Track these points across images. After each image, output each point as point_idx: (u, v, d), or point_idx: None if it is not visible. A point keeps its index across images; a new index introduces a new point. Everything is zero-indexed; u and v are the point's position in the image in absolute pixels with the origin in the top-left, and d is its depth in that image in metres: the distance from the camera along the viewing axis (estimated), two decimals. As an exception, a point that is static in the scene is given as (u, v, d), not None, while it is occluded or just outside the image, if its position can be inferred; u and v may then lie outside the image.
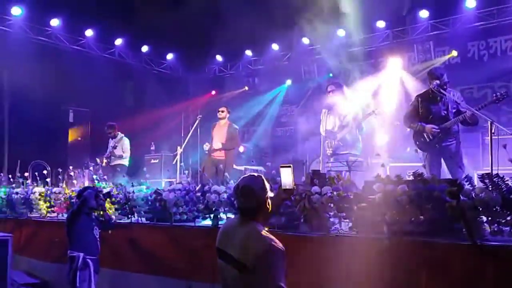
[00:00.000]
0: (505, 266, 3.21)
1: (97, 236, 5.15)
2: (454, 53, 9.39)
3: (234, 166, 8.54)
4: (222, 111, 8.35)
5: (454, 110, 5.49)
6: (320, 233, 4.18)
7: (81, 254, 4.91)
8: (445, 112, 5.51)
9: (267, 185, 2.89)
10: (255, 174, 2.94)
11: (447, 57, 9.57)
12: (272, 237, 2.75)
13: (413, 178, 3.81)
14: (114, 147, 9.03)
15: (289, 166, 3.10)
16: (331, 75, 10.76)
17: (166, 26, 10.07)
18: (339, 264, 3.95)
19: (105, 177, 6.81)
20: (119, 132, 9.29)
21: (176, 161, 8.08)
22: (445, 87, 5.49)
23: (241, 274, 2.70)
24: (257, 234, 2.75)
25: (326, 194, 4.11)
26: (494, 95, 5.29)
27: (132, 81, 12.49)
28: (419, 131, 5.62)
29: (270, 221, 4.35)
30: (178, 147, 8.25)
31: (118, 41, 11.45)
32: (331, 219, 4.28)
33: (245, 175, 2.96)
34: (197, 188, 5.17)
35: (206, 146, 8.12)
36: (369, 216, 3.94)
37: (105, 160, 8.96)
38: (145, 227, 5.49)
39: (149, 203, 5.42)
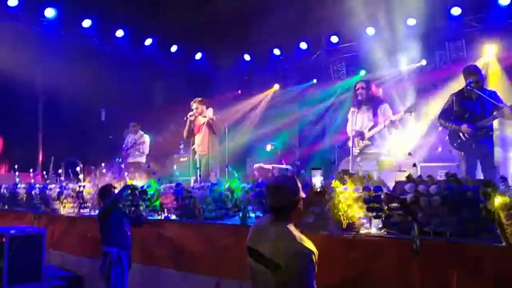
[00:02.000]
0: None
1: (129, 231, 5.26)
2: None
3: (262, 165, 8.56)
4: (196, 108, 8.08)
5: (491, 109, 5.39)
6: (349, 233, 4.15)
7: (116, 249, 5.03)
8: (481, 110, 5.42)
9: (299, 185, 2.89)
10: (288, 173, 2.95)
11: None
12: (305, 238, 2.76)
13: (445, 178, 3.75)
14: (136, 144, 9.19)
15: (320, 169, 3.10)
16: (360, 75, 10.66)
17: (194, 25, 10.16)
18: (369, 265, 3.92)
19: (126, 173, 6.90)
20: (140, 130, 9.49)
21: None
22: (481, 84, 5.40)
23: (273, 273, 2.71)
24: (289, 234, 2.76)
25: (356, 193, 4.08)
26: None
27: (162, 80, 12.64)
28: (455, 131, 5.53)
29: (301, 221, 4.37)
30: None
31: (148, 41, 11.61)
32: (361, 219, 4.26)
33: (278, 175, 2.98)
34: (226, 186, 5.20)
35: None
36: (400, 216, 3.90)
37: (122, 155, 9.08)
38: (175, 223, 5.56)
39: (179, 200, 5.48)
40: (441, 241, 3.64)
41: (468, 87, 5.33)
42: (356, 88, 6.75)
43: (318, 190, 3.03)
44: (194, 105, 8.08)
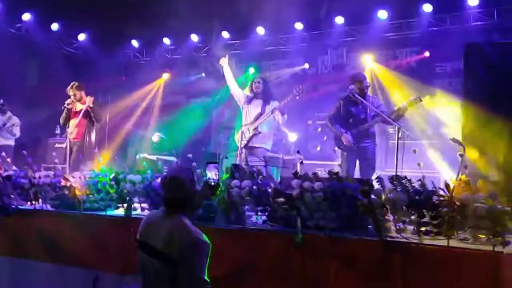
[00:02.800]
0: (408, 260, 3.49)
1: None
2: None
3: (146, 156, 8.37)
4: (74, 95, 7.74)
5: (372, 113, 5.87)
6: (237, 226, 4.24)
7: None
8: (364, 115, 5.89)
9: (195, 178, 2.88)
10: (185, 166, 2.92)
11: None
12: (199, 230, 2.76)
13: (328, 176, 3.99)
14: (4, 125, 8.50)
15: (216, 162, 3.11)
16: (249, 72, 10.88)
17: (79, 3, 9.56)
18: (255, 256, 4.05)
19: None
20: (9, 111, 8.80)
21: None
22: (365, 91, 5.85)
23: (165, 266, 2.67)
24: (184, 227, 2.75)
25: (246, 188, 4.17)
26: (412, 98, 5.68)
27: (38, 59, 11.70)
28: (339, 137, 5.94)
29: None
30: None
31: (26, 16, 10.66)
32: (247, 213, 4.37)
33: (174, 167, 2.94)
34: (110, 176, 4.99)
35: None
36: (285, 210, 4.08)
37: None
38: (51, 214, 5.20)
39: (57, 189, 5.14)
40: (321, 235, 3.88)
41: (352, 93, 5.75)
42: (253, 83, 6.91)
43: (213, 184, 3.03)
44: (71, 92, 7.75)
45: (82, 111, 7.53)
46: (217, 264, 4.10)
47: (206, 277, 2.70)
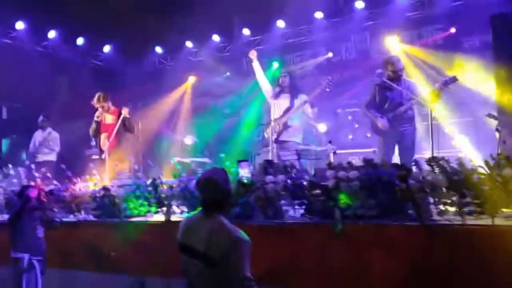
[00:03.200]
0: (451, 244, 3.43)
1: (42, 236, 4.96)
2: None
3: (180, 159, 8.43)
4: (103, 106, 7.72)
5: (408, 97, 5.76)
6: (275, 221, 4.25)
7: (27, 255, 4.73)
8: (400, 98, 5.80)
9: (229, 178, 2.90)
10: (218, 167, 2.93)
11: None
12: (237, 228, 2.78)
13: (363, 164, 3.95)
14: (46, 141, 8.70)
15: (247, 161, 3.11)
16: (274, 66, 10.84)
17: (102, 17, 9.74)
18: (295, 250, 4.05)
19: (36, 174, 6.51)
20: (49, 127, 9.01)
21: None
22: (399, 73, 5.77)
23: (208, 267, 2.70)
24: (223, 227, 2.77)
25: (281, 182, 4.18)
26: (447, 78, 5.53)
27: (67, 74, 11.97)
28: (374, 122, 5.90)
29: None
30: (107, 141, 7.88)
31: (52, 34, 10.93)
32: (285, 207, 4.38)
33: (208, 168, 2.96)
34: (148, 183, 5.07)
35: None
36: (322, 202, 4.06)
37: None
38: (93, 224, 5.34)
39: (97, 199, 5.27)
40: (361, 224, 3.84)
41: (387, 77, 5.70)
42: (279, 77, 6.90)
43: (246, 182, 3.03)
44: (98, 104, 7.72)
45: (118, 122, 7.59)
46: (258, 261, 4.14)
47: (249, 274, 2.71)
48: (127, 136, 7.75)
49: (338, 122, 8.51)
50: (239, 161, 3.05)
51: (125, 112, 7.52)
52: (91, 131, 7.87)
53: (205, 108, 11.53)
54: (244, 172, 3.01)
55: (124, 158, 7.46)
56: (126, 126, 7.59)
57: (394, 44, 9.32)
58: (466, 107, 7.10)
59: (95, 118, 7.72)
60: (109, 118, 7.75)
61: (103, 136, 7.61)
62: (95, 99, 7.72)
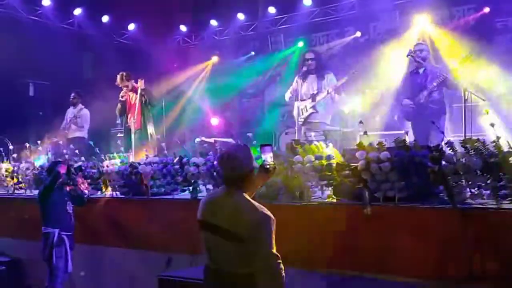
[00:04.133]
0: (484, 227, 3.35)
1: (71, 212, 5.05)
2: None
3: (204, 139, 8.46)
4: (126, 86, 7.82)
5: (434, 80, 5.77)
6: (302, 202, 4.21)
7: (56, 230, 4.83)
8: (425, 81, 5.80)
9: (253, 155, 2.84)
10: (241, 143, 2.88)
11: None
12: (262, 206, 2.73)
13: (395, 145, 3.87)
14: (74, 117, 8.78)
15: (269, 145, 3.01)
16: (299, 46, 10.69)
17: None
18: (321, 232, 4.02)
19: (65, 150, 6.59)
20: (80, 104, 9.06)
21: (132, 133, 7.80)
22: (426, 58, 5.78)
23: (233, 244, 2.67)
24: (247, 203, 2.72)
25: (309, 163, 4.13)
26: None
27: (92, 52, 12.04)
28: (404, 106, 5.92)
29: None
30: (132, 119, 7.92)
31: (77, 11, 10.96)
32: (312, 188, 4.33)
33: (231, 145, 2.90)
34: (175, 161, 5.09)
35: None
36: (351, 183, 4.00)
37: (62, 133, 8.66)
38: (121, 201, 5.39)
39: (124, 176, 5.31)
40: (391, 206, 3.78)
41: (415, 60, 5.73)
42: (305, 58, 6.81)
43: (268, 167, 2.94)
44: (121, 83, 7.81)
45: (137, 98, 7.64)
46: (284, 241, 4.13)
47: (275, 251, 2.68)
48: (149, 114, 7.78)
49: (366, 102, 8.34)
50: (262, 145, 2.95)
51: (140, 84, 7.57)
52: (117, 111, 7.96)
53: (229, 88, 11.48)
54: (267, 157, 2.91)
55: (149, 136, 7.52)
56: (146, 100, 7.61)
57: (423, 24, 9.07)
58: (500, 90, 6.90)
59: (120, 98, 7.78)
60: (133, 97, 7.78)
61: (129, 115, 7.66)
62: (118, 79, 7.79)
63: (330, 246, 3.96)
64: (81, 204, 5.21)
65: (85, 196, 5.30)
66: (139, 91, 7.62)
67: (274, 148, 4.27)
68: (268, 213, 2.72)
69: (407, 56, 5.85)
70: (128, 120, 7.69)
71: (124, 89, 7.79)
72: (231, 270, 2.71)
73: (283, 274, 2.67)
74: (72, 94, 9.10)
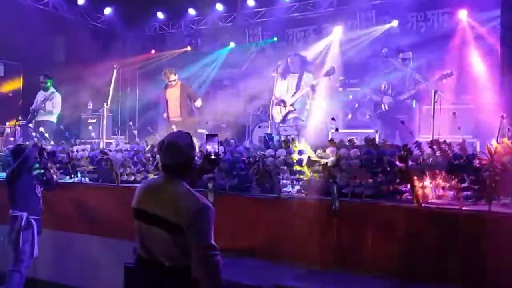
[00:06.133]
0: (447, 227, 3.46)
1: (40, 195, 4.97)
2: (395, 22, 9.62)
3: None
4: (174, 79, 8.19)
5: (411, 86, 5.92)
6: (271, 195, 4.26)
7: (25, 214, 4.75)
8: (402, 87, 5.94)
9: (195, 144, 2.78)
10: (183, 131, 2.81)
11: (387, 26, 9.80)
12: (202, 196, 2.71)
13: (365, 143, 3.95)
14: (44, 100, 8.59)
15: (216, 135, 2.96)
16: (275, 39, 10.74)
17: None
18: (290, 225, 4.08)
19: (34, 133, 6.47)
20: (52, 87, 8.86)
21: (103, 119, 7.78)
22: (407, 62, 5.89)
23: (171, 234, 2.59)
24: (188, 193, 2.66)
25: (280, 157, 4.18)
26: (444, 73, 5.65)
27: (66, 34, 11.77)
28: (377, 102, 5.98)
29: (222, 183, 4.40)
30: (105, 104, 7.89)
31: (52, -9, 10.71)
32: (283, 182, 4.38)
33: (172, 131, 2.83)
34: (146, 149, 5.06)
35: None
36: (321, 179, 4.07)
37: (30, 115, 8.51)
38: (90, 187, 5.33)
39: (94, 163, 5.25)
40: (358, 202, 3.87)
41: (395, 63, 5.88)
42: (288, 58, 6.88)
43: (212, 157, 2.90)
44: (172, 77, 8.14)
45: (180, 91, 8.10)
46: (253, 233, 4.18)
47: (213, 243, 2.66)
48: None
49: (339, 100, 8.46)
50: (207, 135, 2.91)
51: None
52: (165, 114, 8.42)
53: (203, 78, 11.43)
54: (211, 148, 2.87)
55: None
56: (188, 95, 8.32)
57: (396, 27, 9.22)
58: (469, 94, 7.09)
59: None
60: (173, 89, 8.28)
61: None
62: (168, 72, 8.21)
63: (299, 239, 4.03)
64: (49, 188, 5.13)
65: (54, 180, 5.22)
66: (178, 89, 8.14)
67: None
68: (209, 203, 2.66)
69: (382, 56, 5.92)
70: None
71: (172, 82, 8.17)
72: (166, 262, 2.64)
73: (220, 266, 2.61)
74: (41, 77, 8.88)
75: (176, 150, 2.69)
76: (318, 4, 10.30)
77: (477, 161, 3.41)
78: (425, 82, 5.74)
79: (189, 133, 2.81)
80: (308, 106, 6.79)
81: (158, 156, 4.84)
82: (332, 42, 9.35)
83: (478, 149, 3.87)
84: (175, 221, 2.58)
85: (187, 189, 2.69)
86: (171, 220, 2.59)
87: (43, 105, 8.54)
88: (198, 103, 8.11)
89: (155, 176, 3.00)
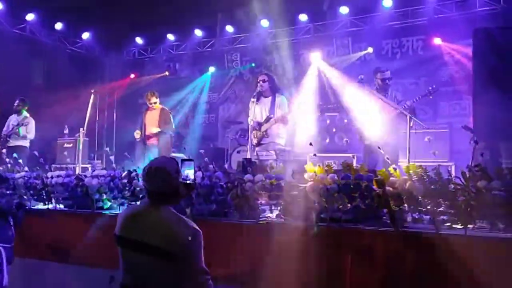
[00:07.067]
0: (424, 251, 3.48)
1: (11, 223, 4.82)
2: (370, 49, 9.84)
3: (172, 154, 8.35)
4: (155, 102, 8.18)
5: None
6: (250, 220, 4.23)
7: (-6, 242, 4.59)
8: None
9: (179, 169, 2.76)
10: (168, 157, 2.81)
11: (363, 53, 10.01)
12: (189, 219, 2.68)
13: (342, 168, 3.98)
14: (18, 125, 8.46)
15: (191, 160, 2.96)
16: (253, 65, 10.86)
17: (82, 2, 9.55)
18: (269, 251, 4.04)
19: (7, 159, 6.34)
20: (25, 111, 8.75)
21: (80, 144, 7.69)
22: (387, 82, 6.00)
23: (163, 262, 2.55)
24: (178, 219, 2.64)
25: (259, 182, 4.17)
26: (429, 88, 5.75)
27: (44, 59, 11.70)
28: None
29: (200, 208, 4.36)
30: (81, 129, 7.81)
31: (30, 16, 10.65)
32: (262, 207, 4.37)
33: (158, 157, 2.82)
34: (123, 175, 4.99)
35: (137, 134, 7.90)
36: (299, 204, 4.07)
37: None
38: (65, 214, 5.22)
39: (69, 189, 5.16)
40: (336, 227, 3.87)
41: (376, 86, 5.91)
42: (258, 80, 6.83)
43: (188, 182, 2.87)
44: (153, 99, 8.14)
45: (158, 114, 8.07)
46: (230, 259, 4.13)
47: (205, 267, 2.61)
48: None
49: (316, 125, 8.53)
50: (183, 160, 2.90)
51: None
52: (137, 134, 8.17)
53: (182, 103, 11.42)
54: (188, 173, 2.85)
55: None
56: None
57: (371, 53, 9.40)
58: (443, 119, 7.24)
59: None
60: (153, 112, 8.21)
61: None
62: (149, 95, 8.20)
63: (278, 265, 3.99)
64: (16, 216, 4.97)
65: (23, 208, 5.04)
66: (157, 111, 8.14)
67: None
68: (197, 227, 2.64)
69: (358, 78, 5.97)
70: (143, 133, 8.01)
71: (153, 104, 8.16)
72: None
73: None
74: (17, 101, 8.78)
75: (165, 176, 2.66)
76: (296, 30, 10.48)
77: (452, 186, 3.45)
78: (401, 107, 5.79)
79: (174, 158, 2.80)
80: (285, 131, 6.79)
81: (136, 182, 4.83)
82: (309, 68, 9.47)
83: (453, 173, 3.90)
84: (167, 248, 2.54)
85: (175, 214, 2.66)
86: (162, 247, 2.55)
87: (17, 130, 8.39)
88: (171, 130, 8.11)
89: (138, 203, 2.95)
